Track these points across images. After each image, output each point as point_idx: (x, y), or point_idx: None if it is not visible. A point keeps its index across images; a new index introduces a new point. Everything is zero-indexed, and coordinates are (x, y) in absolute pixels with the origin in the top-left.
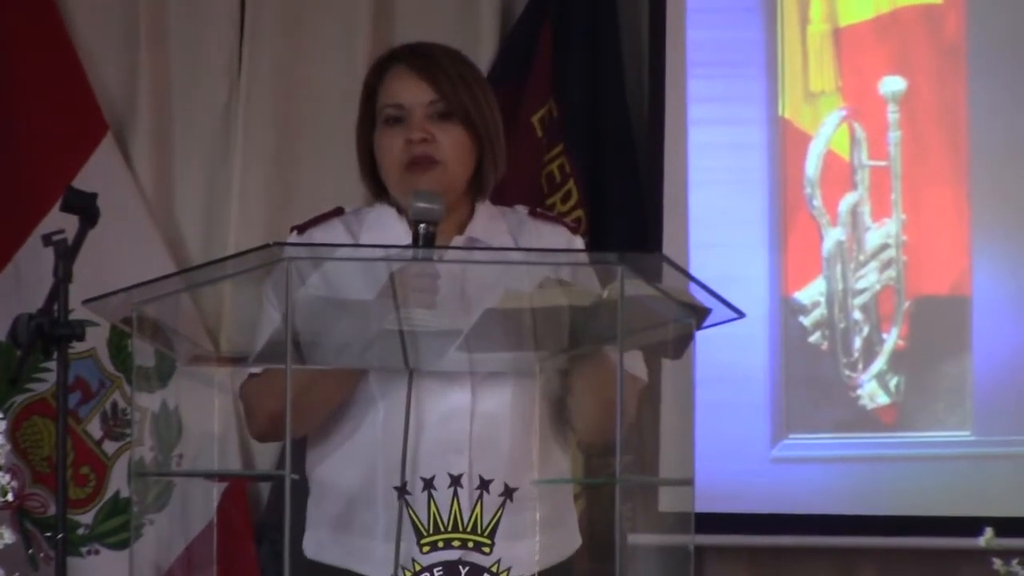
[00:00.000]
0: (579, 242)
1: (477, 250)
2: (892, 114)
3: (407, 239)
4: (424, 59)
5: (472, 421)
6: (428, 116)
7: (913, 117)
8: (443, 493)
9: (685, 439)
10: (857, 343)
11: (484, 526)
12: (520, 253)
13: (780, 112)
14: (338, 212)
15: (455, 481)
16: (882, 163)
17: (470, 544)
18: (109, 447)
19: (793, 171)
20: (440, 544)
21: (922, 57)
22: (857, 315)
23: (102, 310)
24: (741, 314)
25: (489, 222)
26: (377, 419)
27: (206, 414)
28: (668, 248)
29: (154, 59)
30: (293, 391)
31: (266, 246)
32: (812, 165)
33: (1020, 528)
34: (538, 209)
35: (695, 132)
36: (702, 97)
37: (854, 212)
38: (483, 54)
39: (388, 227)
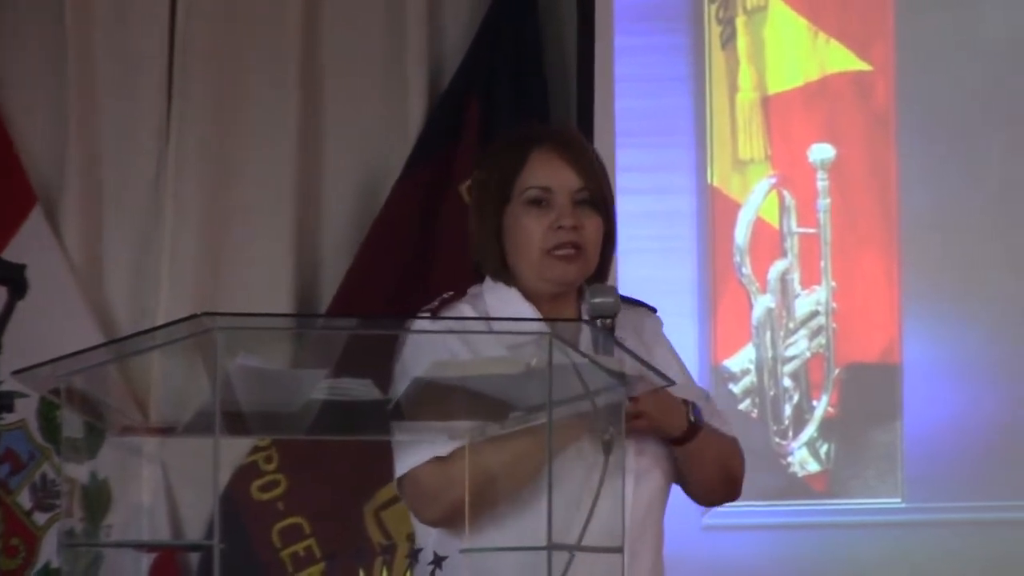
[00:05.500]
0: (660, 322)
1: (418, 319)
2: (821, 181)
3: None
4: (571, 146)
5: (633, 509)
6: (574, 203)
7: (842, 184)
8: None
9: (615, 506)
10: (787, 411)
11: None
12: (462, 323)
13: (709, 180)
14: (461, 295)
15: (385, 550)
16: (811, 230)
17: None
18: (39, 518)
19: (722, 239)
20: None
21: (851, 124)
22: (787, 383)
23: (31, 381)
24: (671, 382)
25: None
26: (540, 508)
27: (135, 484)
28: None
29: (83, 131)
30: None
31: (194, 316)
32: (741, 233)
33: None
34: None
35: (624, 201)
36: (631, 166)
37: (783, 279)
38: (411, 124)
39: (516, 309)
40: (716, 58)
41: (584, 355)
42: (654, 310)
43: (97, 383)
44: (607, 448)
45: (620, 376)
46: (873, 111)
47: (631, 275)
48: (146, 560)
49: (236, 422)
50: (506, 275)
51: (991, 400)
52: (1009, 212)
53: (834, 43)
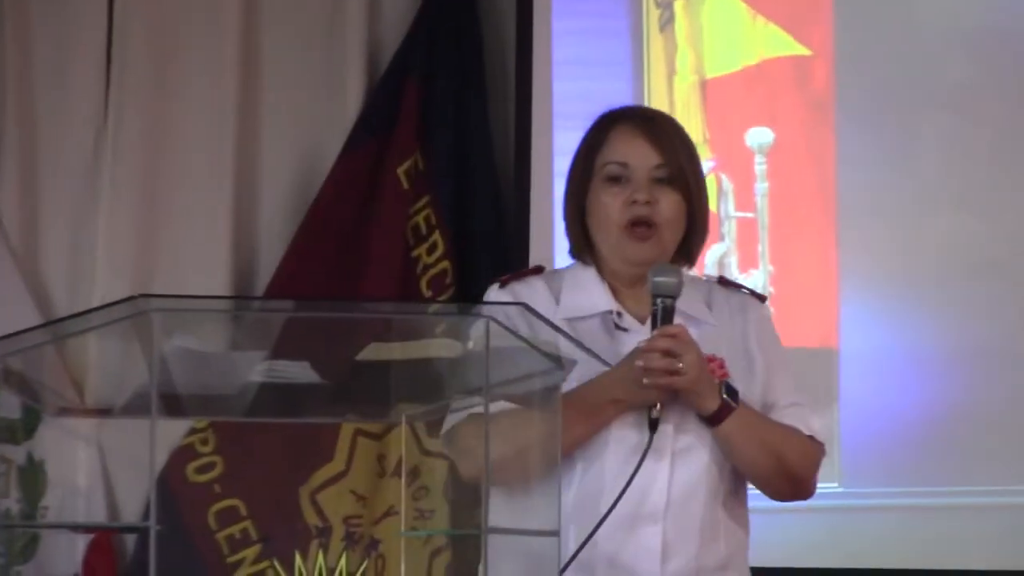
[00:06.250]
0: (768, 310)
1: (341, 303)
2: (759, 165)
3: (607, 300)
4: (651, 123)
5: (670, 490)
6: (652, 179)
7: (780, 168)
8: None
9: (551, 491)
10: None
11: None
12: (390, 305)
13: None
14: (538, 271)
15: (321, 533)
16: (749, 214)
17: None
18: None
19: None
20: None
21: (789, 108)
22: None
23: None
24: (608, 365)
25: (685, 289)
26: (574, 483)
27: (72, 466)
28: (532, 299)
29: (20, 111)
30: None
31: (131, 298)
32: None
33: None
34: (725, 278)
35: (562, 184)
36: (569, 149)
37: (721, 263)
38: (349, 107)
39: (591, 290)
40: (654, 41)
41: (522, 338)
42: (762, 299)
43: (34, 364)
44: (653, 425)
45: (557, 360)
46: (811, 95)
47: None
48: (82, 542)
49: (173, 404)
50: (587, 255)
51: (928, 385)
52: (946, 197)
53: (773, 27)
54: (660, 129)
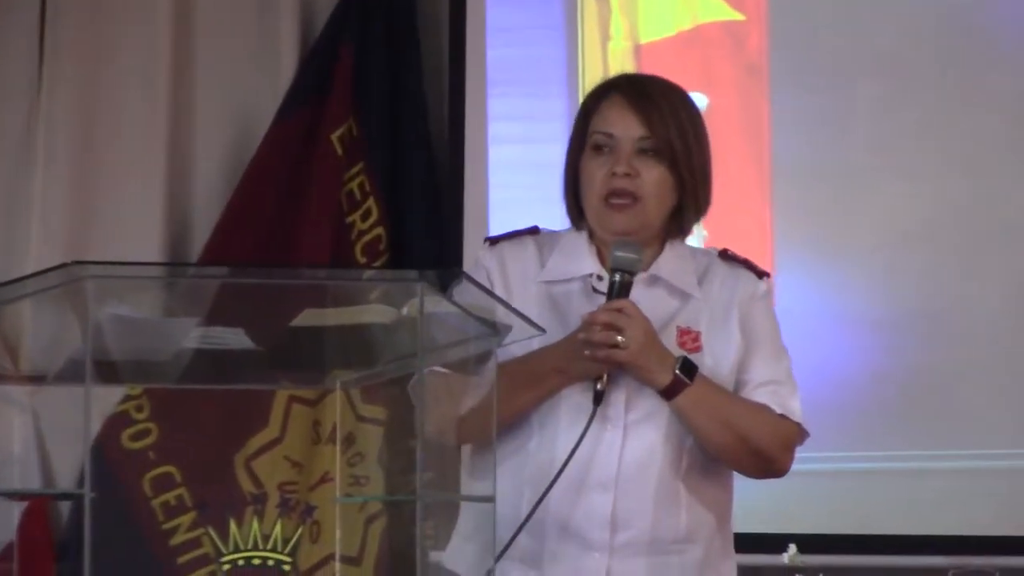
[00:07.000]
0: (764, 287)
1: (280, 268)
2: None
3: (591, 264)
4: (641, 93)
5: (620, 460)
6: (635, 151)
7: (714, 133)
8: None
9: (487, 457)
10: None
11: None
12: (324, 271)
13: None
14: (534, 231)
15: (255, 500)
16: None
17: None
18: None
19: None
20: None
21: (724, 73)
22: None
23: None
24: (542, 330)
25: (676, 261)
26: (530, 446)
27: (6, 433)
28: (469, 265)
29: None
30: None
31: (65, 265)
32: None
33: (822, 545)
34: (728, 252)
35: (496, 150)
36: (503, 115)
37: None
38: (283, 74)
39: (578, 254)
40: (588, 7)
41: (455, 304)
42: (761, 276)
43: None
44: (597, 397)
45: (492, 325)
46: (745, 61)
47: (503, 223)
48: (17, 509)
49: (107, 371)
50: (579, 220)
51: (860, 350)
52: (879, 162)
53: None
54: (649, 100)
